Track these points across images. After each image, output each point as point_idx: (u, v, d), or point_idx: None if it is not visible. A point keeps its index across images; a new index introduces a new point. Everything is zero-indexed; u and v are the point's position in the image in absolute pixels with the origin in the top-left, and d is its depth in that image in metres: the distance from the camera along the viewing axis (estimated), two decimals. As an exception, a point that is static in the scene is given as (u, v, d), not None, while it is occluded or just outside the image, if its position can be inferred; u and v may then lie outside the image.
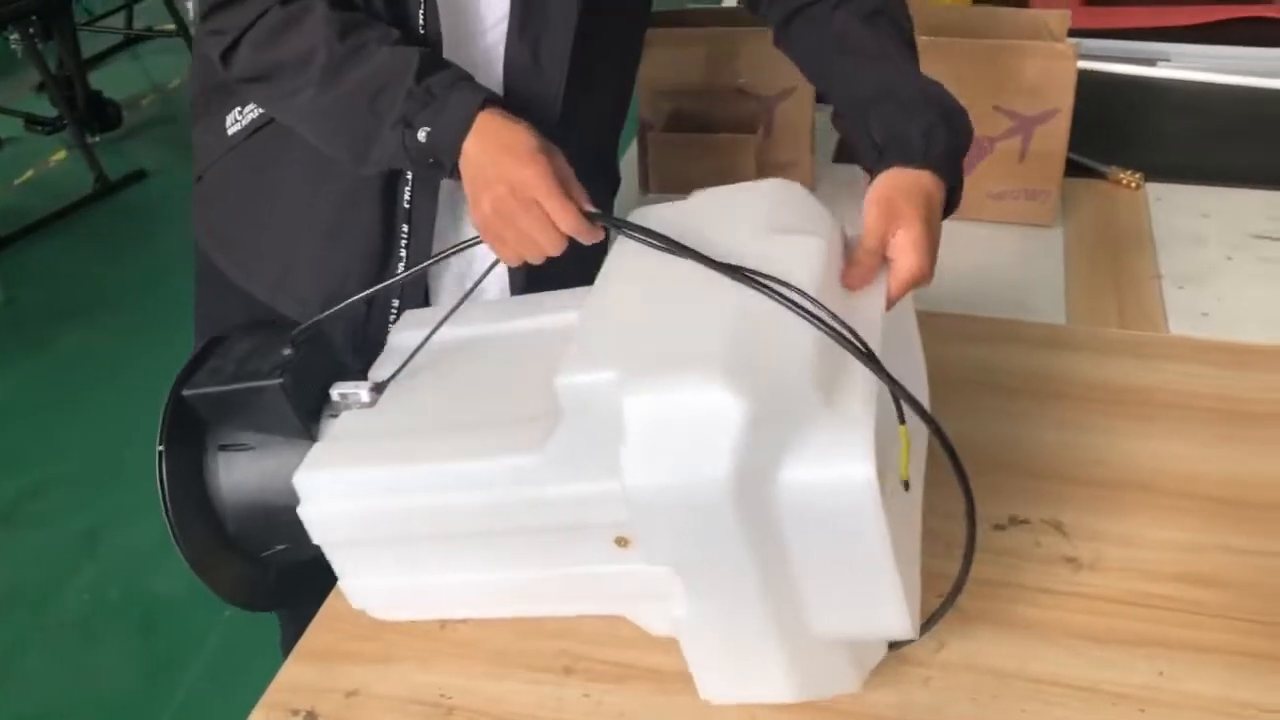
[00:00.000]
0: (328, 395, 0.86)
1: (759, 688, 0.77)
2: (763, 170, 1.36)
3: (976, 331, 1.13)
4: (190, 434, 0.87)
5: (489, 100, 0.89)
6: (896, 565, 0.67)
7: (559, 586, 0.81)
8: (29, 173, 3.74)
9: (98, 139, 3.75)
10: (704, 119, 1.35)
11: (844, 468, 0.65)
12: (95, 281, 3.07)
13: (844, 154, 1.49)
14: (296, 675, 0.84)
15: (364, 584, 0.86)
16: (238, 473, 0.86)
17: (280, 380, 0.82)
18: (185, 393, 0.86)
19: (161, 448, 0.84)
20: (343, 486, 0.80)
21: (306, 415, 0.85)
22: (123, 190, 3.55)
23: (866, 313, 0.77)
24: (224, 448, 0.86)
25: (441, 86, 0.89)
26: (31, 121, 3.88)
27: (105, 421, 2.47)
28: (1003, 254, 1.28)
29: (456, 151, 0.88)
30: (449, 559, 0.82)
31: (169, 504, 0.84)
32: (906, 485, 0.73)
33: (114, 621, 1.95)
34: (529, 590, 0.83)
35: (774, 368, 0.68)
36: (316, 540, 0.82)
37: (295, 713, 0.81)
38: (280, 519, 0.83)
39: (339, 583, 0.87)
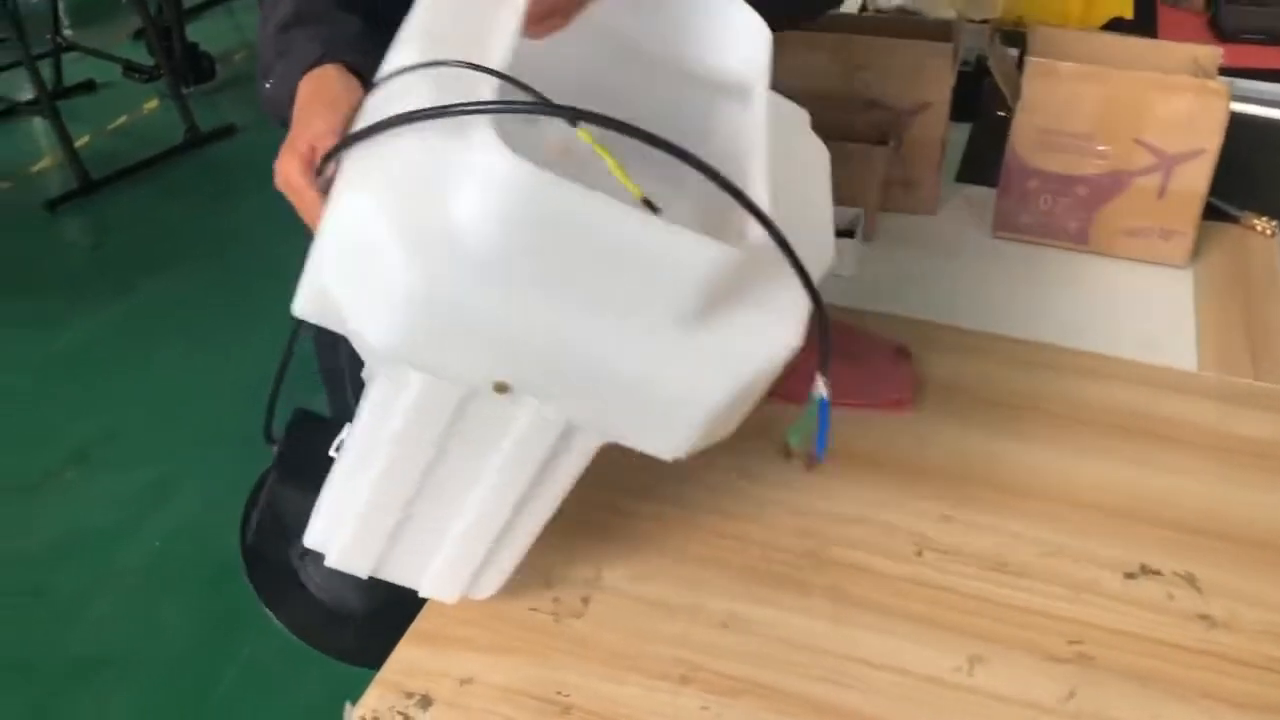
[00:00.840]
0: None
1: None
2: (888, 186, 1.34)
3: (1111, 372, 1.11)
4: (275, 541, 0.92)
5: (338, 56, 0.81)
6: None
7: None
8: (122, 118, 3.79)
9: (191, 90, 3.79)
10: (832, 127, 1.32)
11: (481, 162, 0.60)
12: (180, 232, 3.10)
13: (968, 173, 1.46)
14: (410, 657, 0.84)
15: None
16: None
17: None
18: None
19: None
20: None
21: None
22: (212, 144, 3.58)
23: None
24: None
25: (303, 39, 0.83)
26: (129, 68, 3.93)
27: (178, 374, 2.49)
28: (1133, 292, 1.25)
29: (290, 102, 0.80)
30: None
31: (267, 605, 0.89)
32: (650, 204, 0.66)
33: (183, 573, 1.97)
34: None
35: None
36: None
37: (410, 695, 0.81)
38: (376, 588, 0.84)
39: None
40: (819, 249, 0.75)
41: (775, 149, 0.72)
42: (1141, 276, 1.27)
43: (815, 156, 0.86)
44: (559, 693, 0.81)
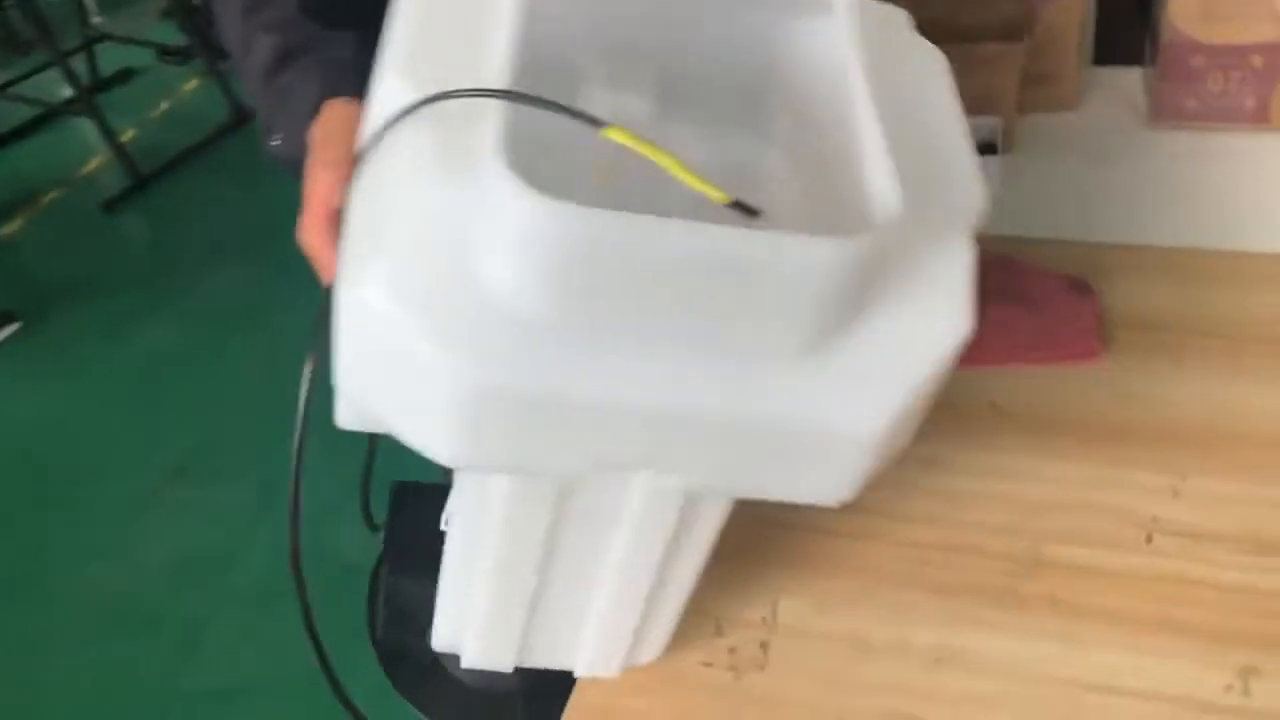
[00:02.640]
0: None
1: None
2: (1024, 86, 1.16)
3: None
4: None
5: (340, 90, 0.69)
6: None
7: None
8: (164, 105, 3.68)
9: (227, 63, 3.66)
10: (953, 25, 1.14)
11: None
12: (240, 217, 2.99)
13: (1103, 54, 1.27)
14: (577, 741, 0.72)
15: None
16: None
17: None
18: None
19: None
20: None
21: None
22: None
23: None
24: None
25: (298, 80, 0.72)
26: (164, 52, 3.81)
27: (264, 367, 2.40)
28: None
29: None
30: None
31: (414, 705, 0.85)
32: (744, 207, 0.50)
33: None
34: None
35: None
36: None
37: (586, 792, 0.69)
38: None
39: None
40: (965, 190, 0.58)
41: (875, 73, 0.55)
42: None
43: (929, 67, 0.67)
44: (757, 770, 0.69)
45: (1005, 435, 0.86)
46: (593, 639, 0.70)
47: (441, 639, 0.72)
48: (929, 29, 1.13)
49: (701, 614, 0.77)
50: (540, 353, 0.47)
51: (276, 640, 1.82)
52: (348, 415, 0.57)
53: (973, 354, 0.92)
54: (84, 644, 1.90)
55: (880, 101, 0.53)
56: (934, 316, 0.53)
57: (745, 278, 0.46)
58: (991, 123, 1.11)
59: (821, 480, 0.56)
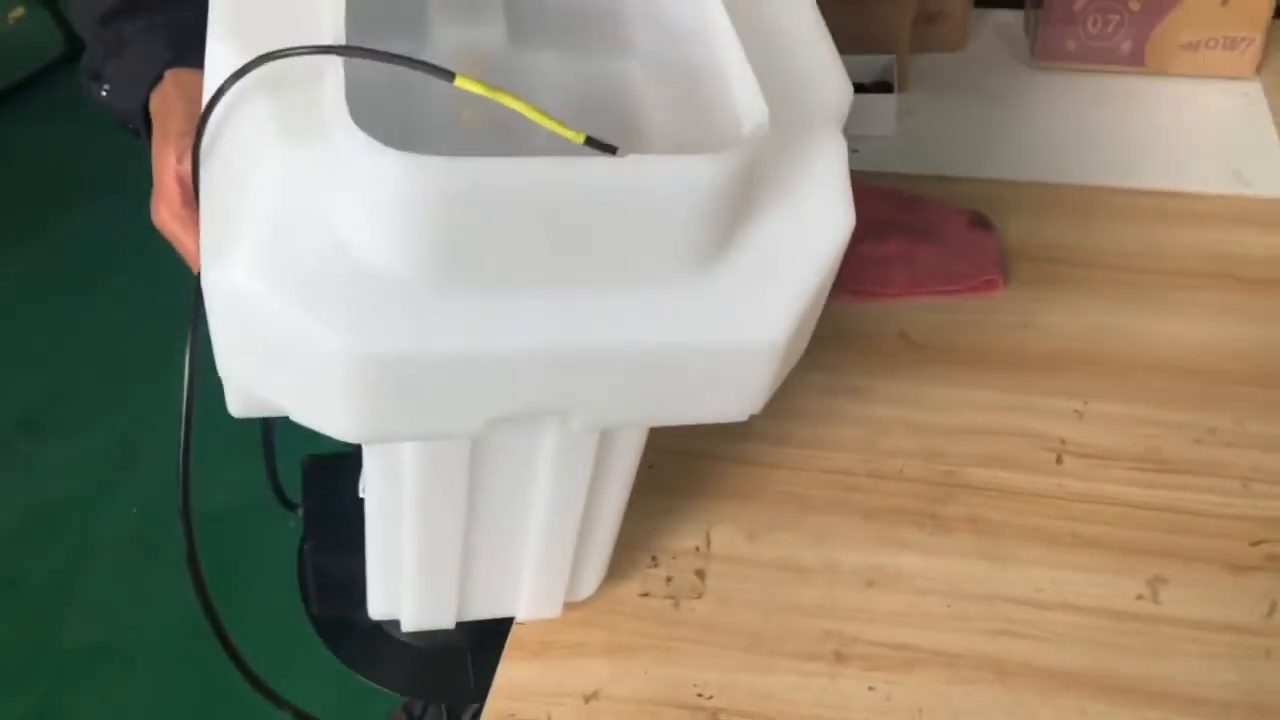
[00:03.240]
0: None
1: None
2: (916, 26, 1.18)
3: (1203, 210, 0.99)
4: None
5: (190, 60, 0.67)
6: None
7: None
8: (-13, 36, 3.43)
9: (59, -7, 3.43)
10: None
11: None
12: (83, 159, 2.81)
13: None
14: (519, 677, 0.71)
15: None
16: None
17: None
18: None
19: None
20: None
21: None
22: (93, 52, 3.25)
23: None
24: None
25: (140, 36, 0.69)
26: (-18, -22, 3.54)
27: (123, 312, 2.28)
28: (1202, 113, 1.12)
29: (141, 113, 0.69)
30: None
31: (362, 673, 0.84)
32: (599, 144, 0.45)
33: (169, 536, 1.82)
34: None
35: None
36: None
37: (531, 726, 0.69)
38: None
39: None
40: (827, 83, 0.56)
41: None
42: (1209, 95, 1.14)
43: None
44: (700, 694, 0.70)
45: (917, 365, 0.88)
46: (529, 583, 0.70)
47: (378, 607, 0.71)
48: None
49: (636, 547, 0.77)
50: (423, 315, 0.45)
51: (147, 591, 1.75)
52: (239, 403, 0.53)
53: (881, 287, 0.95)
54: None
55: (734, 7, 0.52)
56: (816, 215, 0.51)
57: (619, 207, 0.45)
58: (884, 60, 1.13)
59: (729, 397, 0.54)
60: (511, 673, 0.72)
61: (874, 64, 1.14)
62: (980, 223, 0.99)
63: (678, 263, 0.48)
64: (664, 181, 0.45)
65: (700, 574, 0.76)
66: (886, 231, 0.98)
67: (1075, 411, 0.84)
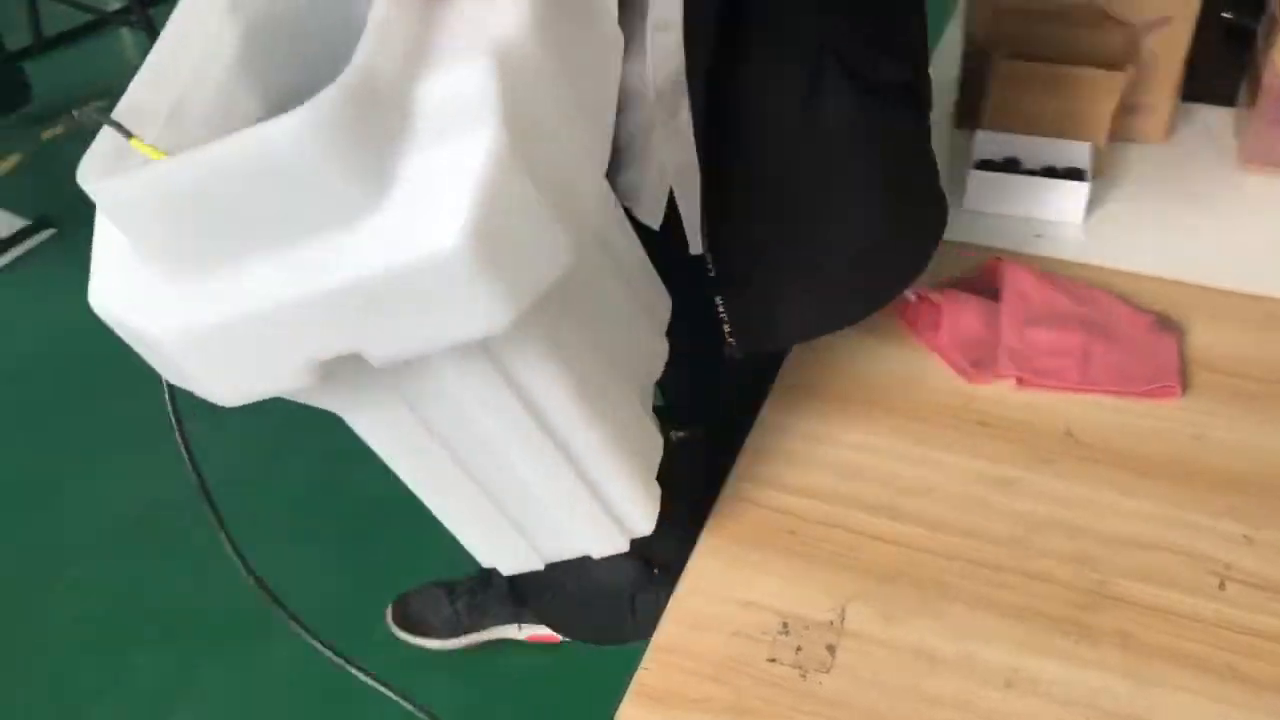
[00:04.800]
0: None
1: None
2: (1117, 115, 1.15)
3: None
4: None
5: None
6: None
7: None
8: None
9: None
10: (1056, 46, 1.14)
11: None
12: None
13: (1192, 89, 1.26)
14: (639, 722, 0.72)
15: None
16: None
17: None
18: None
19: None
20: None
21: None
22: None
23: None
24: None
25: None
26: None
27: None
28: None
29: None
30: None
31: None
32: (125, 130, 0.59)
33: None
34: None
35: None
36: None
37: (647, 776, 0.70)
38: None
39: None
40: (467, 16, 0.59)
41: None
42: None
43: None
44: (818, 771, 0.69)
45: (1079, 464, 0.86)
46: (569, 522, 0.75)
47: (481, 559, 0.80)
48: (1039, 48, 1.13)
49: (767, 609, 0.77)
50: (188, 293, 0.56)
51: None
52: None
53: (1052, 378, 0.93)
54: None
55: None
56: (466, 132, 0.54)
57: (267, 172, 0.52)
58: (1082, 148, 1.11)
59: (466, 310, 0.56)
60: (633, 716, 0.72)
61: (1069, 150, 1.12)
62: (1164, 325, 0.96)
63: (349, 199, 0.53)
64: (268, 144, 0.51)
65: (831, 649, 0.76)
66: (1064, 323, 0.96)
67: (1245, 537, 0.80)
